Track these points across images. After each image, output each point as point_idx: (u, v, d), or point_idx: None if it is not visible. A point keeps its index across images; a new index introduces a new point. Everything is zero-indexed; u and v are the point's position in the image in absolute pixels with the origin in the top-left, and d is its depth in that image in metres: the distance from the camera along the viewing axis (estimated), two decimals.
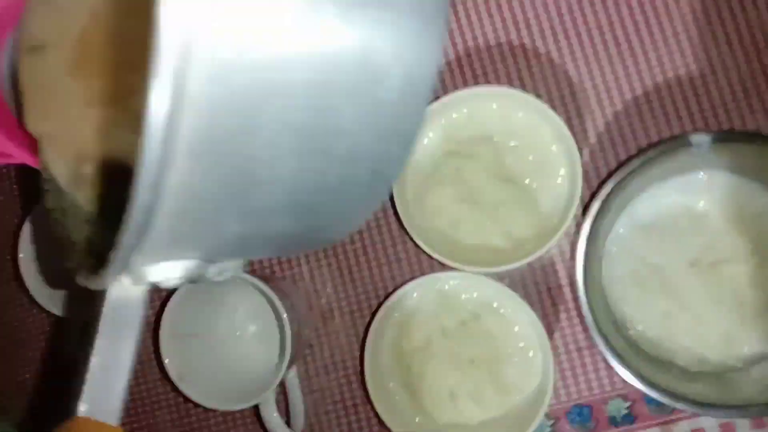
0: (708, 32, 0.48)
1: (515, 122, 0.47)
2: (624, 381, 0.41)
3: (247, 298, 0.50)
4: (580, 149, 0.48)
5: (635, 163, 0.41)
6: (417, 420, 0.46)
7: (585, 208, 0.44)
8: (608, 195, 0.42)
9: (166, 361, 0.45)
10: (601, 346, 0.41)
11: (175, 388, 0.46)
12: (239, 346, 0.50)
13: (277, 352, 0.47)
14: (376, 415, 0.46)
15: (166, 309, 0.45)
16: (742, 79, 0.47)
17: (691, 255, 0.44)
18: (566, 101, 0.50)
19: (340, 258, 0.52)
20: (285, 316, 0.43)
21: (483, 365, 0.46)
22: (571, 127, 0.49)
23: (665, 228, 0.44)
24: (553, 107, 0.49)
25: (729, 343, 0.43)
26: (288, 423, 0.48)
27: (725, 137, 0.41)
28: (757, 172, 0.43)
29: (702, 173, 0.44)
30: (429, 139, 0.48)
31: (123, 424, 0.23)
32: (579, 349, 0.48)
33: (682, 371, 0.42)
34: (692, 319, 0.43)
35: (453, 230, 0.47)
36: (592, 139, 0.49)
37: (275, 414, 0.45)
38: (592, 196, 0.43)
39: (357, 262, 0.52)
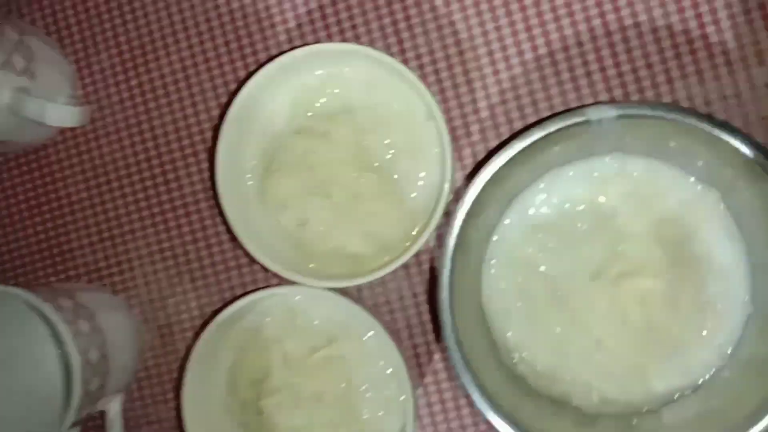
0: None
1: (381, 93, 0.36)
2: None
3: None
4: (467, 124, 0.38)
5: (516, 145, 0.31)
6: None
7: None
8: (485, 185, 0.32)
9: None
10: (467, 383, 0.31)
11: None
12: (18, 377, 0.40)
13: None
14: None
15: None
16: (658, 40, 0.37)
17: (592, 264, 0.34)
18: (452, 62, 0.39)
19: (181, 259, 0.42)
20: (68, 340, 0.33)
21: (334, 403, 0.36)
22: (457, 96, 0.38)
23: (561, 229, 0.34)
24: (436, 69, 0.38)
25: (637, 376, 0.33)
26: None
27: (634, 111, 0.30)
28: (679, 157, 0.33)
29: (608, 159, 0.34)
30: (273, 109, 0.37)
31: None
32: (452, 387, 0.39)
33: (577, 415, 0.33)
34: (592, 345, 0.34)
35: (300, 231, 0.36)
36: (484, 112, 0.39)
37: None
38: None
39: (201, 266, 0.42)
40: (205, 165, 0.42)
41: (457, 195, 0.33)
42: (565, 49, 0.38)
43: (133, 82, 0.42)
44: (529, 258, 0.35)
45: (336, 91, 0.36)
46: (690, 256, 0.33)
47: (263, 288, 0.35)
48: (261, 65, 0.35)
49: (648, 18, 0.37)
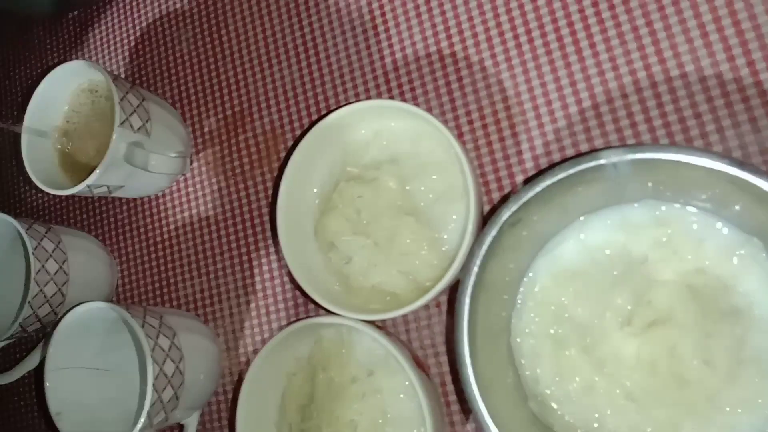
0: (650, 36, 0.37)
1: (423, 144, 0.39)
2: None
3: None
4: (512, 175, 0.40)
5: (530, 188, 0.32)
6: None
7: None
8: (505, 227, 0.33)
9: (47, 393, 0.43)
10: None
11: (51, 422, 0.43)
12: (133, 381, 0.46)
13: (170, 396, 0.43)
14: None
15: (52, 340, 0.43)
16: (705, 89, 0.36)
17: (622, 311, 0.33)
18: (499, 116, 0.41)
19: (260, 294, 0.47)
20: (147, 351, 0.39)
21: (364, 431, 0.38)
22: (503, 148, 0.40)
23: (591, 275, 0.34)
24: (484, 124, 0.41)
25: None
26: None
27: (647, 154, 0.30)
28: (715, 203, 0.32)
29: (637, 205, 0.33)
30: (330, 158, 0.41)
31: None
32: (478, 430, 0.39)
33: None
34: (622, 396, 0.32)
35: (346, 268, 0.40)
36: (528, 163, 0.40)
37: None
38: None
39: (275, 301, 0.47)
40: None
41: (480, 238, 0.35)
42: (610, 101, 0.38)
43: (232, 141, 0.50)
44: (558, 302, 0.35)
45: (384, 143, 0.40)
46: (727, 309, 0.31)
47: (303, 318, 0.39)
48: (320, 119, 0.40)
49: (695, 68, 0.37)
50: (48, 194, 0.57)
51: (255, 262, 0.48)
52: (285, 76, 0.48)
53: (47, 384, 0.43)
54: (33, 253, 0.45)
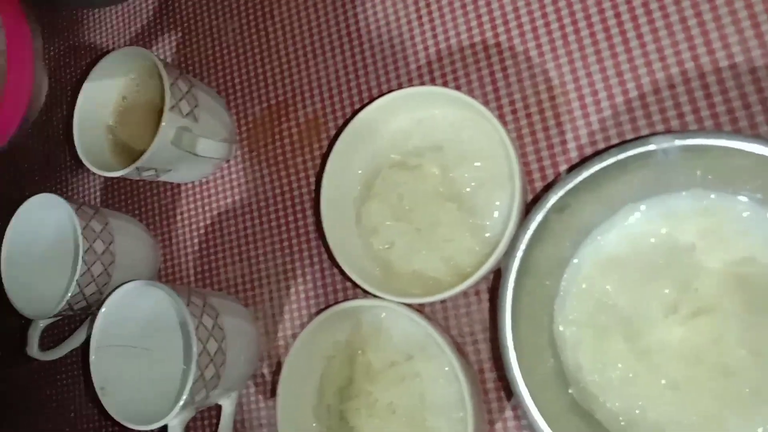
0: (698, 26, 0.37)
1: (466, 132, 0.40)
2: None
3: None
4: (555, 164, 0.40)
5: (577, 174, 0.32)
6: None
7: None
8: (550, 214, 0.33)
9: (92, 368, 0.44)
10: (534, 416, 0.31)
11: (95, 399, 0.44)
12: (175, 362, 0.48)
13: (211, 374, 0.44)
14: None
15: (99, 317, 0.44)
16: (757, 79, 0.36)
17: (666, 300, 0.33)
18: (544, 106, 0.41)
19: (300, 279, 0.48)
20: (192, 329, 0.40)
21: (405, 417, 0.38)
22: (547, 138, 0.40)
23: (636, 263, 0.34)
24: (528, 113, 0.41)
25: (714, 426, 0.31)
26: None
27: (698, 139, 0.30)
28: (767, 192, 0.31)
29: (685, 193, 0.33)
30: (373, 146, 0.42)
31: None
32: (517, 416, 0.39)
33: None
34: (666, 386, 0.32)
35: (387, 253, 0.40)
36: (573, 153, 0.40)
37: None
38: None
39: (314, 287, 0.48)
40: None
41: (518, 231, 0.35)
42: (656, 91, 0.38)
43: (276, 129, 0.51)
44: (602, 290, 0.34)
45: (426, 130, 0.40)
46: None
47: (343, 301, 0.39)
48: (363, 107, 0.41)
49: (745, 58, 0.36)
50: (96, 179, 0.59)
51: (295, 248, 0.49)
52: (329, 66, 0.49)
53: (93, 359, 0.44)
54: (82, 233, 0.46)
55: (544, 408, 0.32)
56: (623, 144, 0.31)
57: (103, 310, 0.44)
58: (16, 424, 0.60)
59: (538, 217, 0.33)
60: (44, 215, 0.50)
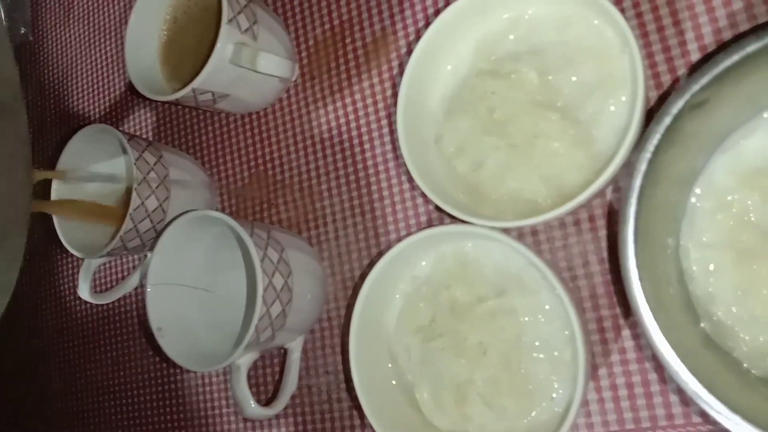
0: None
1: (571, 30, 0.34)
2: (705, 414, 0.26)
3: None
4: (672, 69, 0.34)
5: (715, 65, 0.26)
6: (411, 422, 0.35)
7: None
8: (683, 112, 0.27)
9: (148, 306, 0.41)
10: (663, 355, 0.26)
11: (152, 340, 0.41)
12: (235, 304, 0.44)
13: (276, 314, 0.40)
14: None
15: (155, 252, 0.41)
16: None
17: None
18: (657, 2, 0.35)
19: (368, 216, 0.44)
20: (256, 261, 0.36)
21: (498, 358, 0.33)
22: (662, 39, 0.35)
23: None
24: (638, 13, 0.35)
25: None
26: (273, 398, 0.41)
27: None
28: None
29: None
30: (456, 56, 0.37)
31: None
32: (641, 358, 0.34)
33: None
34: None
35: (474, 176, 0.35)
36: (694, 55, 0.34)
37: (242, 384, 0.37)
38: None
39: (384, 223, 0.43)
40: (394, 119, 0.43)
41: (646, 131, 0.29)
42: None
43: (339, 52, 0.46)
44: (742, 206, 0.29)
45: (521, 32, 0.35)
46: None
47: (427, 228, 0.34)
48: (440, 10, 0.35)
49: None
50: (148, 111, 0.55)
51: (362, 181, 0.44)
52: None
53: (149, 296, 0.41)
54: (135, 164, 0.43)
55: (676, 346, 0.27)
56: None
57: (159, 242, 0.40)
58: (67, 374, 0.58)
59: (673, 111, 0.27)
60: (95, 147, 0.47)
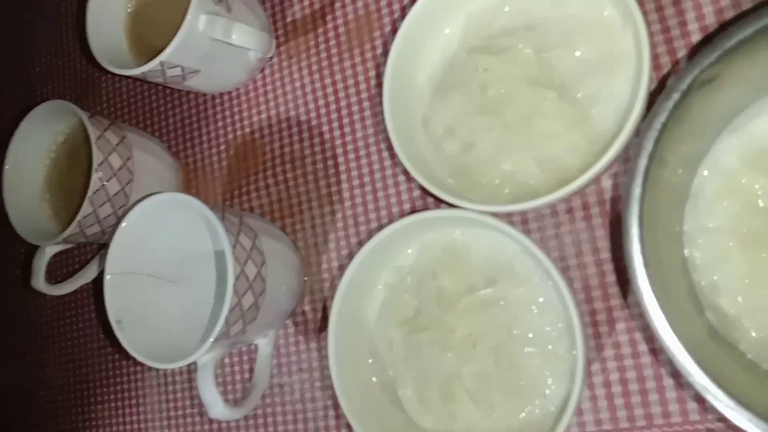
0: None
1: (570, 4, 0.32)
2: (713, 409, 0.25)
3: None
4: (673, 51, 0.33)
5: (736, 34, 0.25)
6: (393, 422, 0.33)
7: None
8: (690, 89, 0.26)
9: (107, 297, 0.37)
10: (669, 347, 0.25)
11: (111, 335, 0.38)
12: (203, 297, 0.41)
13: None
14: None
15: (116, 237, 0.38)
16: None
17: None
18: None
19: (347, 203, 0.41)
20: (228, 248, 0.33)
21: (489, 352, 0.31)
22: (662, 19, 0.33)
23: None
24: None
25: None
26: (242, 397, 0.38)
27: None
28: None
29: None
30: (446, 36, 0.35)
31: None
32: (637, 353, 0.32)
33: None
34: None
35: (464, 157, 0.33)
36: (695, 36, 0.33)
37: (209, 383, 0.34)
38: None
39: (365, 210, 0.41)
40: (377, 101, 0.41)
41: (653, 108, 0.27)
42: None
43: (319, 30, 0.44)
44: (749, 190, 0.27)
45: (517, 6, 0.33)
46: None
47: (413, 213, 0.32)
48: None
49: None
50: (111, 87, 0.52)
51: (342, 167, 0.41)
52: None
53: (107, 286, 0.37)
54: (95, 143, 0.40)
55: (680, 336, 0.25)
56: None
57: (121, 225, 0.37)
58: (21, 366, 0.54)
59: (681, 87, 0.25)
60: (51, 126, 0.43)
